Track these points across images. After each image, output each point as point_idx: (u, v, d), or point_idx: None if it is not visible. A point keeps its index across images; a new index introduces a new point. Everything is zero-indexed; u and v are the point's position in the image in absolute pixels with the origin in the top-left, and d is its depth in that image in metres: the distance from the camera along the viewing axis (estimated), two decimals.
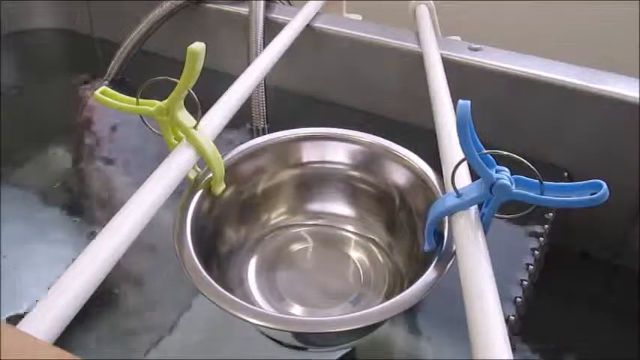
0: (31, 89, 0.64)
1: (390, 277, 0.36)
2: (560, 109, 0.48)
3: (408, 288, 0.29)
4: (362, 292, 0.35)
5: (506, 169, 0.28)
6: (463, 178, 0.31)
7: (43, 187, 0.48)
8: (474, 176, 0.29)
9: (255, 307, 0.30)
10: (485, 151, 0.27)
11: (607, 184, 0.26)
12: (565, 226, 0.44)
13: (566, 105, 0.47)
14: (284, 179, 0.39)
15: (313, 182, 0.40)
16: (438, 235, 0.32)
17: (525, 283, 0.38)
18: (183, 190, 0.35)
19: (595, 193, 0.26)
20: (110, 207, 0.47)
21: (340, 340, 0.33)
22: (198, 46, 0.30)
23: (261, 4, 0.56)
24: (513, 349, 0.22)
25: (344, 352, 0.34)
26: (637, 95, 0.44)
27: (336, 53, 0.56)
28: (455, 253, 0.29)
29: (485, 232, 0.29)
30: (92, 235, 0.27)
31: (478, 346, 0.23)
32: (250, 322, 0.28)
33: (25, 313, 0.23)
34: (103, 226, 0.28)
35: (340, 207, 0.40)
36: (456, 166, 0.29)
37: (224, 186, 0.36)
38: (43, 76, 0.66)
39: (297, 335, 0.31)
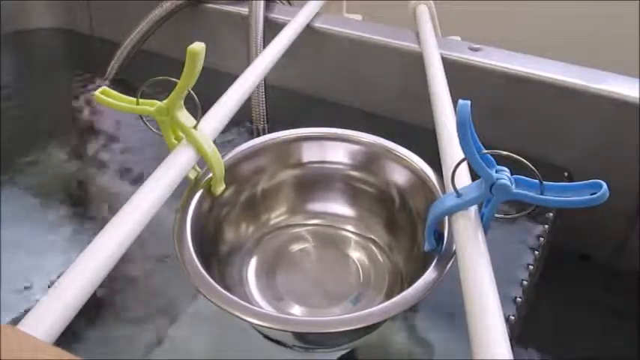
0: (31, 89, 0.64)
1: (390, 277, 0.36)
2: (560, 109, 0.48)
3: (408, 288, 0.29)
4: (362, 292, 0.35)
5: (506, 169, 0.28)
6: (463, 178, 0.31)
7: (43, 187, 0.48)
8: (474, 176, 0.29)
9: (254, 307, 0.30)
10: (485, 151, 0.27)
11: (607, 184, 0.26)
12: (565, 227, 0.44)
13: (566, 105, 0.47)
14: (284, 179, 0.39)
15: (313, 182, 0.40)
16: (438, 235, 0.32)
17: (525, 283, 0.38)
18: (184, 190, 0.35)
19: (595, 193, 0.26)
20: (110, 207, 0.47)
21: (340, 339, 0.33)
22: (198, 46, 0.30)
23: (261, 4, 0.56)
24: (513, 349, 0.22)
25: (344, 352, 0.34)
26: (637, 95, 0.44)
27: (336, 53, 0.56)
28: (455, 253, 0.29)
29: (486, 232, 0.29)
30: (92, 235, 0.27)
31: (478, 346, 0.22)
32: (250, 322, 0.28)
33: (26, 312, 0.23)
34: (103, 226, 0.28)
35: (340, 207, 0.40)
36: (456, 166, 0.29)
37: (224, 186, 0.36)
38: (43, 76, 0.66)
39: (296, 335, 0.31)
